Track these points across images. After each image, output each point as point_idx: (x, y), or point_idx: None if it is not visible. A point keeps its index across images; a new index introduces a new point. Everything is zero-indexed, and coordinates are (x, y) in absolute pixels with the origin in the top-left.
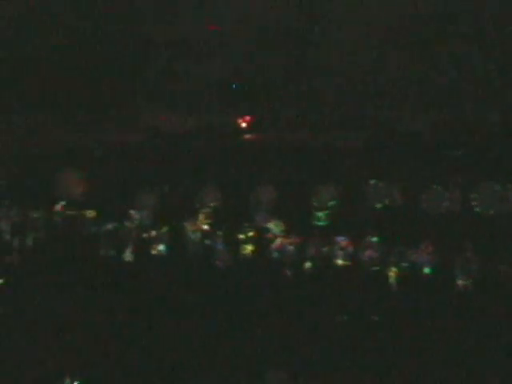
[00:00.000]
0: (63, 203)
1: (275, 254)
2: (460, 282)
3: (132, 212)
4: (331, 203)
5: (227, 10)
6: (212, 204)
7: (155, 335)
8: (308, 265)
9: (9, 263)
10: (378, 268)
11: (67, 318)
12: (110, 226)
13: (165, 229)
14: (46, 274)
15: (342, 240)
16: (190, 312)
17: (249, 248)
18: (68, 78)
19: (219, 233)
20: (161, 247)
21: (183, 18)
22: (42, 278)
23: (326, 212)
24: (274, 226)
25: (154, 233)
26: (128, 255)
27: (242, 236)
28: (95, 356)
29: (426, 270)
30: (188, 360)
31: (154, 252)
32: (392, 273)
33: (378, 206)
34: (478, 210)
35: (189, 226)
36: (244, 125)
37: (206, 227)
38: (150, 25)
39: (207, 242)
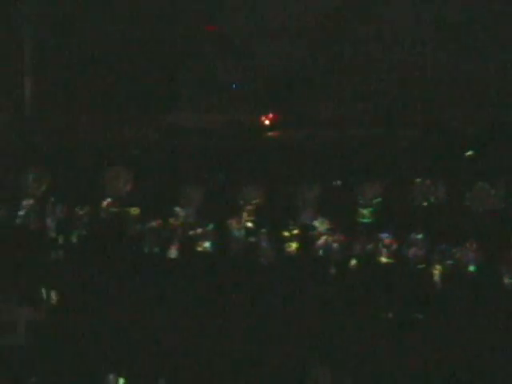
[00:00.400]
0: (109, 200)
1: (320, 252)
2: (506, 281)
3: (177, 209)
4: (376, 200)
5: (266, 9)
6: (256, 201)
7: (199, 333)
8: (353, 262)
9: (54, 260)
10: (422, 266)
11: (112, 315)
12: (153, 224)
13: (211, 226)
14: (90, 271)
15: (386, 237)
16: (234, 310)
17: (293, 246)
18: (114, 77)
19: (263, 230)
20: (206, 244)
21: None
22: (87, 275)
23: (371, 209)
24: (318, 224)
25: (199, 230)
26: (173, 252)
27: (286, 233)
28: (141, 353)
29: (471, 268)
30: (235, 358)
31: (199, 249)
32: (436, 271)
33: (423, 203)
34: None
35: (233, 224)
36: (267, 122)
37: (250, 225)
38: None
39: (252, 239)
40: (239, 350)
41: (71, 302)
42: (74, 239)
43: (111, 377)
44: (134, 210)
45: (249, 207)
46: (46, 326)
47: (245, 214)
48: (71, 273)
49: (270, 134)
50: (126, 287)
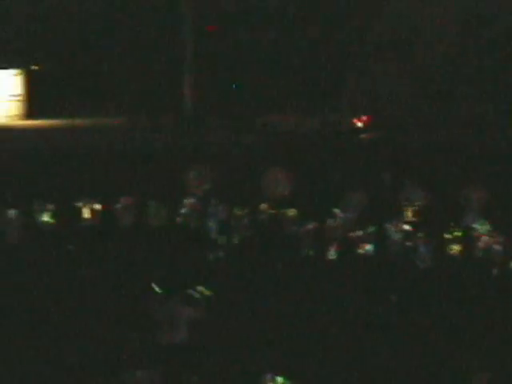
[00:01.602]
0: (267, 202)
1: (481, 254)
2: None
3: (336, 211)
4: None
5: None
6: (416, 203)
7: (359, 335)
8: None
9: (214, 261)
10: None
11: (269, 315)
12: (311, 226)
13: (371, 228)
14: (250, 273)
15: None
16: (392, 313)
17: (455, 248)
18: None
19: (421, 234)
20: (368, 247)
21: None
22: (245, 276)
23: None
24: (479, 226)
25: (360, 232)
26: (331, 254)
27: (448, 236)
28: (299, 352)
29: None
30: (399, 360)
31: (360, 251)
32: None
33: None
34: None
35: (392, 226)
36: (360, 124)
37: (409, 227)
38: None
39: (410, 242)
40: (399, 351)
41: (229, 301)
42: (235, 240)
43: (268, 376)
44: (291, 211)
45: (409, 209)
46: (206, 326)
47: (405, 216)
48: (230, 273)
49: (363, 135)
50: (283, 288)
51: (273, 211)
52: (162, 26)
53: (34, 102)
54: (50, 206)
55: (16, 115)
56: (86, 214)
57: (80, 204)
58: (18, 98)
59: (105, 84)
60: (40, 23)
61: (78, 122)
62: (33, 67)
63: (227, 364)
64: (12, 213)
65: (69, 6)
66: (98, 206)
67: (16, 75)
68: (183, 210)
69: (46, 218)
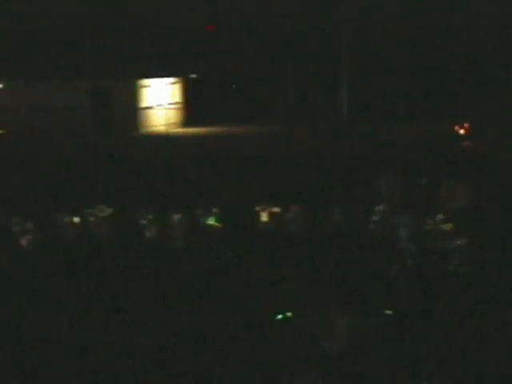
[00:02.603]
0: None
1: None
2: None
3: None
4: None
5: None
6: None
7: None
8: None
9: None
10: None
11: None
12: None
13: None
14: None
15: None
16: None
17: None
18: None
19: None
20: None
21: None
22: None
23: None
24: None
25: None
26: None
27: None
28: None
29: None
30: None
31: None
32: None
33: None
34: None
35: None
36: (462, 131)
37: None
38: None
39: None
40: None
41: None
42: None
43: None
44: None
45: None
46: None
47: None
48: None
49: (465, 143)
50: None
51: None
52: (317, 35)
53: (191, 110)
54: (215, 210)
55: (174, 123)
56: (264, 217)
57: (258, 208)
58: (177, 105)
59: (260, 92)
60: (199, 34)
61: (234, 129)
62: (192, 75)
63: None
64: (177, 217)
65: (228, 19)
66: (275, 210)
67: (174, 83)
68: (374, 218)
69: (211, 221)
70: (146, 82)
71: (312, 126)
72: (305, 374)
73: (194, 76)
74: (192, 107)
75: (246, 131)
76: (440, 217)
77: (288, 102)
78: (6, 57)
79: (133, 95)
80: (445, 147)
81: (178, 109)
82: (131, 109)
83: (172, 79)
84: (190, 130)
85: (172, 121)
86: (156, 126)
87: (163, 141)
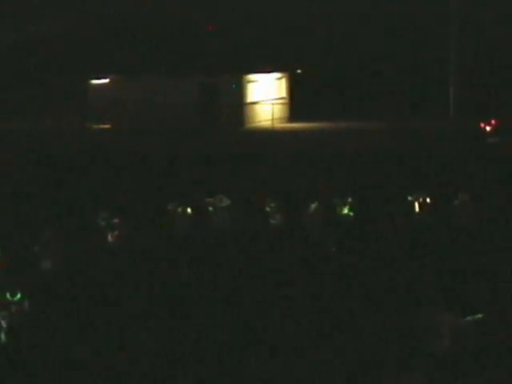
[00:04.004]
0: None
1: None
2: None
3: None
4: None
5: None
6: None
7: None
8: None
9: None
10: None
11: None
12: None
13: None
14: None
15: None
16: None
17: None
18: None
19: None
20: None
21: None
22: None
23: None
24: None
25: None
26: None
27: None
28: None
29: None
30: None
31: None
32: None
33: None
34: None
35: None
36: (488, 128)
37: None
38: None
39: None
40: None
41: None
42: None
43: None
44: None
45: None
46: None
47: None
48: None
49: (491, 139)
50: None
51: None
52: (427, 28)
53: (296, 105)
54: (350, 200)
55: (279, 118)
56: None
57: (411, 198)
58: (282, 101)
59: (366, 88)
60: (304, 31)
61: (342, 124)
62: (297, 71)
63: None
64: (313, 206)
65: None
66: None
67: (279, 79)
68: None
69: (345, 210)
70: (252, 77)
71: (425, 123)
72: (410, 373)
73: (299, 71)
74: (299, 102)
75: (355, 127)
76: None
77: (391, 98)
78: (116, 53)
79: (240, 90)
80: None
81: (283, 104)
82: (238, 104)
83: (277, 74)
84: (296, 126)
85: (277, 116)
86: (261, 122)
87: (280, 136)
